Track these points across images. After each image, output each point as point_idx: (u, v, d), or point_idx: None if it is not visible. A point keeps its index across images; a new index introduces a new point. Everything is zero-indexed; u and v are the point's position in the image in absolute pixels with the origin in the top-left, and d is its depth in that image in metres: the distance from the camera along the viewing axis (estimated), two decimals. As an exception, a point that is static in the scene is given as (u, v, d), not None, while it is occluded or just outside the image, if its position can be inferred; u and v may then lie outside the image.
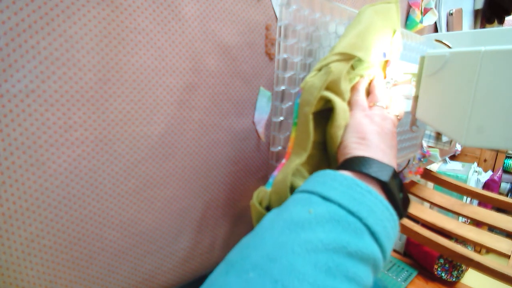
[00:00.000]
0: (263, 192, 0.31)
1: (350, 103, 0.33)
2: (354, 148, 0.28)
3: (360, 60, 0.34)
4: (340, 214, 0.21)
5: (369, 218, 0.21)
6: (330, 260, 0.19)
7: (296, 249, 0.19)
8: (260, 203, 0.31)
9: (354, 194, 0.23)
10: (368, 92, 0.36)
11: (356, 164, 0.26)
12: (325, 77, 0.30)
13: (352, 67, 0.35)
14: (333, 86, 0.31)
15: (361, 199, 0.22)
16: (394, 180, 0.26)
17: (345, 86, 0.33)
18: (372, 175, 0.25)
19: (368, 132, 0.29)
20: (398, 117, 0.34)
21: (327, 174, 0.25)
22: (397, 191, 0.26)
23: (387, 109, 0.33)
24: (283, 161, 0.33)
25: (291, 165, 0.30)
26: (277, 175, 0.31)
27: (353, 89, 0.34)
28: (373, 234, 0.21)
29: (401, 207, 0.26)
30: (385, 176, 0.25)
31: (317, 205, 0.22)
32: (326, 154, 0.33)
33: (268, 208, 0.30)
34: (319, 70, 0.31)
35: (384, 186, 0.25)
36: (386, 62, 0.39)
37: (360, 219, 0.21)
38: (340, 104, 0.31)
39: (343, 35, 0.34)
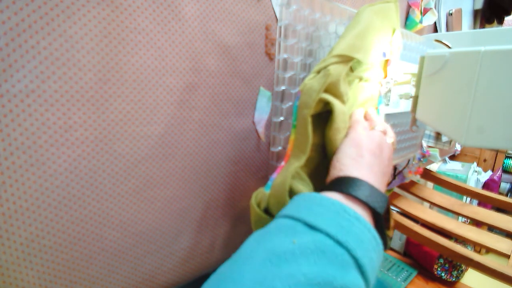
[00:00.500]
0: (262, 194, 0.31)
1: (350, 121, 0.33)
2: (349, 165, 0.27)
3: (359, 62, 0.34)
4: (327, 244, 0.20)
5: (357, 250, 0.20)
6: None
7: (277, 284, 0.17)
8: (259, 205, 0.31)
9: (342, 221, 0.22)
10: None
11: (349, 186, 0.25)
12: (324, 80, 0.30)
13: (351, 69, 0.35)
14: (332, 89, 0.31)
15: (350, 228, 0.21)
16: (385, 210, 0.25)
17: (344, 88, 0.33)
18: (367, 203, 0.24)
19: (367, 151, 0.28)
20: (393, 147, 0.34)
21: (314, 198, 0.24)
22: (385, 221, 0.26)
23: (385, 135, 0.33)
24: (282, 163, 0.33)
25: (290, 168, 0.30)
26: (276, 177, 0.31)
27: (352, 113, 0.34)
28: (360, 267, 0.20)
29: (385, 237, 0.25)
30: (381, 208, 0.24)
31: (302, 234, 0.21)
32: (325, 156, 0.33)
33: (267, 210, 0.30)
34: (318, 72, 0.31)
35: (376, 216, 0.25)
36: (387, 61, 0.39)
37: (348, 250, 0.20)
38: (339, 107, 0.31)
39: (342, 36, 0.34)
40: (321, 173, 0.32)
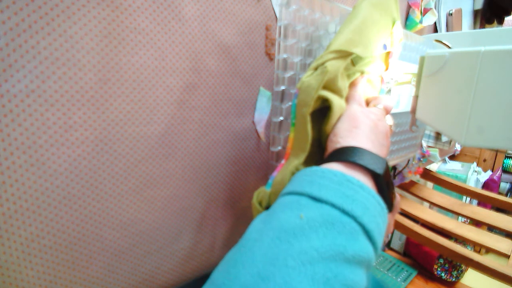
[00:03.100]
0: (263, 192, 0.31)
1: (347, 97, 0.33)
2: (345, 136, 0.27)
3: (359, 56, 0.34)
4: (333, 215, 0.20)
5: (364, 217, 0.21)
6: (328, 270, 0.17)
7: (290, 262, 0.17)
8: (260, 203, 0.31)
9: (346, 191, 0.21)
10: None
11: (347, 154, 0.25)
12: (322, 77, 0.29)
13: (353, 63, 0.34)
14: (330, 85, 0.31)
15: (354, 196, 0.21)
16: (385, 173, 0.25)
17: (343, 83, 0.32)
18: (365, 166, 0.24)
19: (362, 123, 0.28)
20: (391, 129, 0.34)
21: (315, 171, 0.24)
22: (387, 184, 0.25)
23: (387, 113, 0.33)
24: (283, 161, 0.33)
25: (289, 166, 0.30)
26: (276, 176, 0.31)
27: (351, 85, 0.34)
28: (367, 233, 0.21)
29: (389, 200, 0.25)
30: (379, 169, 0.24)
31: (307, 208, 0.21)
32: (324, 151, 0.33)
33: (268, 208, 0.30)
34: (315, 69, 0.31)
35: (376, 179, 0.25)
36: (388, 53, 0.39)
37: (355, 218, 0.20)
38: (337, 103, 0.31)
39: (339, 31, 0.34)
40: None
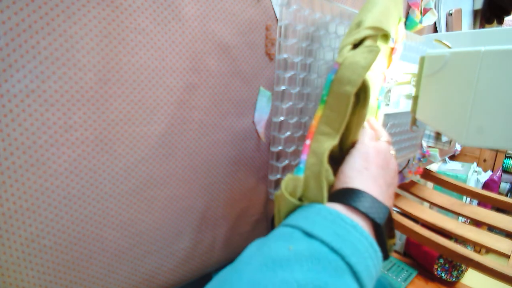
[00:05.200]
0: (295, 180, 0.28)
1: (359, 133, 0.32)
2: (352, 177, 0.27)
3: (388, 35, 0.33)
4: (321, 252, 0.20)
5: (352, 257, 0.21)
6: None
7: None
8: (292, 194, 0.28)
9: (338, 229, 0.22)
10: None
11: (351, 198, 0.25)
12: (372, 57, 0.28)
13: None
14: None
15: (345, 235, 0.22)
16: (387, 221, 0.25)
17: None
18: (363, 211, 0.24)
19: (373, 163, 0.28)
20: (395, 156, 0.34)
21: (312, 207, 0.24)
22: (387, 233, 0.25)
23: (390, 145, 0.33)
24: (307, 142, 0.30)
25: (324, 145, 0.28)
26: (307, 158, 0.29)
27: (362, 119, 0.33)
28: (355, 274, 0.21)
29: (388, 248, 0.25)
30: (380, 218, 0.24)
31: (298, 241, 0.21)
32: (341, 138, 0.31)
33: (301, 199, 0.28)
34: (354, 44, 0.30)
35: (376, 227, 0.25)
36: (392, 49, 0.38)
37: (342, 257, 0.20)
38: (369, 88, 0.29)
39: (365, 10, 0.32)
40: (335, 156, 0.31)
